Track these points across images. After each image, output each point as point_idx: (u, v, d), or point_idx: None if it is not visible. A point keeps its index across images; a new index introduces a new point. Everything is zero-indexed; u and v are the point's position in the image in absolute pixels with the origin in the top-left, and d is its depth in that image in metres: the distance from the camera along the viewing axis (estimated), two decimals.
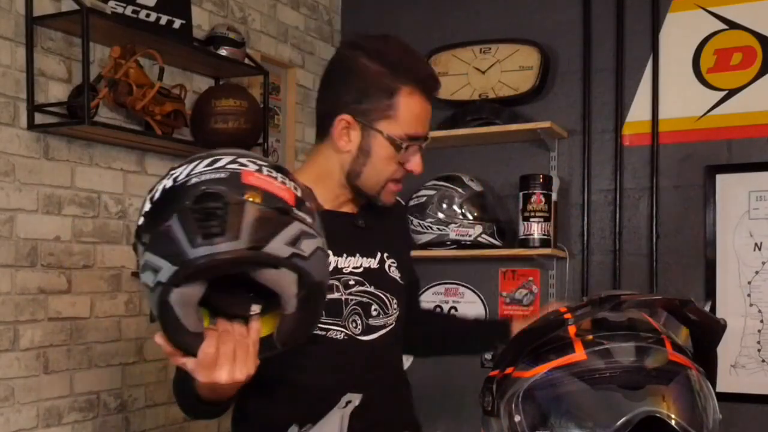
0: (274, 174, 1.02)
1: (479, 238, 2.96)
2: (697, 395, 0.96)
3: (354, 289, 1.47)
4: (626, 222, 2.99)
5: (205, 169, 1.00)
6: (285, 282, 1.00)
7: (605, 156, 3.03)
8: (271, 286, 1.00)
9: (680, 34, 2.91)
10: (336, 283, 1.44)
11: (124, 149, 2.50)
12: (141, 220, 1.03)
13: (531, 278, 3.13)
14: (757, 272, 2.77)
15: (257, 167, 1.02)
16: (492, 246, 2.97)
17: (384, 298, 1.51)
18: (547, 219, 2.92)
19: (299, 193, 1.04)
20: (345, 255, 1.47)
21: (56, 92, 2.29)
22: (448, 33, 3.26)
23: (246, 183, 0.98)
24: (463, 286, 3.25)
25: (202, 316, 1.03)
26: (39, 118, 2.23)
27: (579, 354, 0.96)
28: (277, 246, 0.97)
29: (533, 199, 2.90)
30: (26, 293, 2.22)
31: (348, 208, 1.53)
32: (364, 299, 1.48)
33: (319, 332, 1.41)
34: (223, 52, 2.69)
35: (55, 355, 2.29)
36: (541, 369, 0.97)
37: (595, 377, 0.93)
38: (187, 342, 1.03)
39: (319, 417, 1.30)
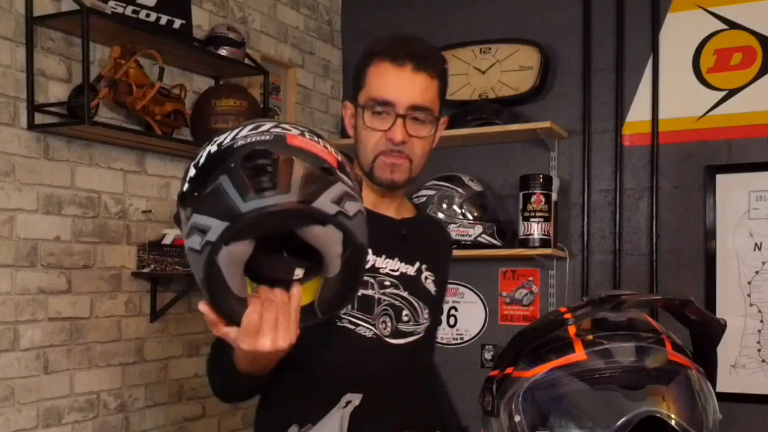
0: (316, 138, 1.05)
1: (479, 238, 2.96)
2: (697, 395, 0.96)
3: (388, 290, 1.46)
4: (626, 222, 2.99)
5: (250, 132, 1.02)
6: (331, 240, 1.00)
7: (605, 156, 3.03)
8: (317, 243, 1.00)
9: (680, 34, 2.91)
10: (371, 280, 1.45)
11: (124, 149, 2.50)
12: (185, 187, 1.03)
13: (531, 278, 3.13)
14: (757, 272, 2.77)
15: (299, 131, 1.04)
16: (492, 246, 2.97)
17: (416, 305, 1.51)
18: (547, 219, 2.92)
19: (340, 158, 1.06)
20: (384, 256, 1.47)
21: (56, 92, 2.29)
22: (448, 33, 3.26)
23: (291, 144, 1.00)
24: (463, 286, 3.25)
25: (245, 281, 1.04)
26: (39, 118, 2.23)
27: (579, 354, 0.95)
28: (325, 202, 0.97)
29: (533, 199, 2.90)
30: (26, 293, 2.22)
31: (389, 212, 1.53)
32: (397, 302, 1.47)
33: (349, 326, 1.41)
34: (223, 52, 2.69)
35: (55, 355, 2.29)
36: (541, 369, 0.97)
37: (595, 377, 0.93)
38: (231, 307, 1.03)
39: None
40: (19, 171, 2.20)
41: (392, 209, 1.54)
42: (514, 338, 1.03)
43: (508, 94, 3.11)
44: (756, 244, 2.77)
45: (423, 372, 1.59)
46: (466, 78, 3.18)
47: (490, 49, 3.16)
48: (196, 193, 1.00)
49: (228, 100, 2.62)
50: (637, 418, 0.90)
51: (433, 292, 1.56)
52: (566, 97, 3.10)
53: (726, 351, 2.74)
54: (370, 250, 1.39)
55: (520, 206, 2.93)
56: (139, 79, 2.37)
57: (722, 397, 1.00)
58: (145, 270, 2.52)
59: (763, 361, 2.75)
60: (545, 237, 2.92)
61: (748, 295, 2.78)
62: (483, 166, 3.19)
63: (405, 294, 1.48)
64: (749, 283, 2.78)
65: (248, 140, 1.00)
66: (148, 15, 2.46)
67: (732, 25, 2.83)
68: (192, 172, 1.03)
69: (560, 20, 3.11)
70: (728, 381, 2.74)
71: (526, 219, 2.91)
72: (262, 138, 1.00)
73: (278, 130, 1.03)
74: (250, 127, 1.04)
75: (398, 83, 1.42)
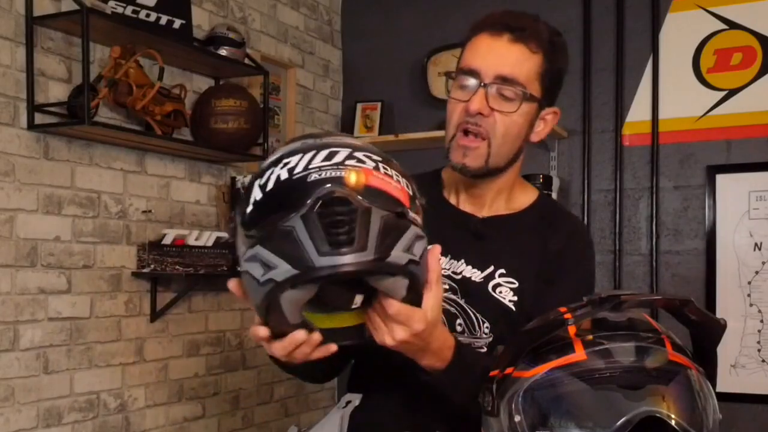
0: (390, 171, 0.99)
1: None
2: (697, 395, 0.96)
3: (444, 294, 1.27)
4: (626, 222, 2.99)
5: (323, 163, 0.95)
6: (398, 287, 0.98)
7: (605, 156, 3.03)
8: (384, 290, 0.98)
9: (680, 34, 2.91)
10: None
11: (124, 149, 2.50)
12: (250, 208, 0.97)
13: None
14: (757, 272, 2.77)
15: (374, 164, 0.98)
16: None
17: (472, 316, 1.32)
18: None
19: (411, 191, 1.01)
20: (449, 256, 1.33)
21: (56, 92, 2.29)
22: (448, 33, 3.26)
23: (368, 185, 0.95)
24: None
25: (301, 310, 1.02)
26: (39, 118, 2.23)
27: (579, 354, 0.95)
28: (398, 254, 0.94)
29: None
30: (26, 293, 2.22)
31: (473, 207, 1.38)
32: (452, 309, 1.32)
33: None
34: (223, 52, 2.69)
35: (55, 355, 2.29)
36: (541, 369, 0.97)
37: (595, 377, 0.93)
38: (284, 332, 1.02)
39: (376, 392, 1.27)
40: (19, 171, 2.20)
41: (481, 203, 1.37)
42: (514, 338, 1.03)
43: None
44: (756, 244, 2.77)
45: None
46: None
47: None
48: (263, 224, 0.95)
49: (228, 100, 2.62)
50: (637, 418, 0.90)
51: (508, 302, 1.31)
52: (566, 97, 3.10)
53: (726, 351, 2.74)
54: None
55: None
56: (139, 79, 2.37)
57: (722, 397, 1.00)
58: (145, 270, 2.52)
59: (763, 361, 2.75)
60: None
61: (748, 295, 2.78)
62: None
63: (461, 301, 1.32)
64: (749, 283, 2.78)
65: (322, 174, 0.94)
66: (148, 15, 2.46)
67: (732, 25, 2.83)
68: (258, 194, 0.97)
69: (560, 20, 3.11)
70: (728, 381, 2.74)
71: None
72: (338, 174, 0.94)
73: (352, 162, 0.96)
74: (324, 154, 0.96)
75: (489, 51, 1.27)
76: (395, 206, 0.96)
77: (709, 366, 1.02)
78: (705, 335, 1.03)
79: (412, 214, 0.98)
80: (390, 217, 0.94)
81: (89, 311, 2.40)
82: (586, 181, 3.04)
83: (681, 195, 2.91)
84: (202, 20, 2.78)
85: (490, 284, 1.32)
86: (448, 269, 1.33)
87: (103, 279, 2.44)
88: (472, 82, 1.27)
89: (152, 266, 2.51)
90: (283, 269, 0.92)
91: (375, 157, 0.99)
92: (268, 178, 0.97)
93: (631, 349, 0.95)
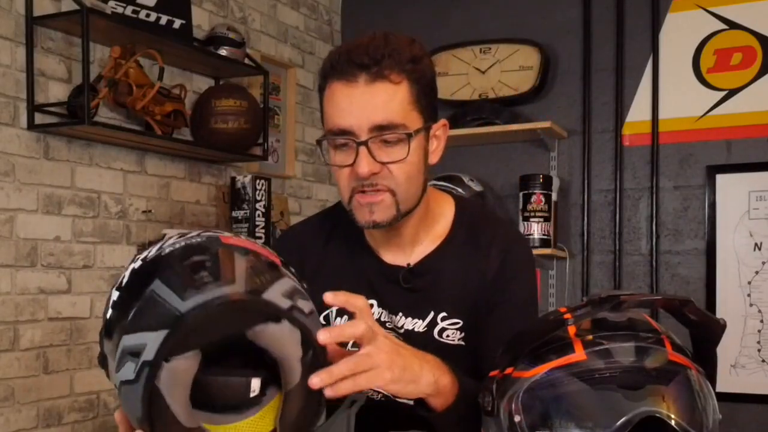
0: (253, 239, 0.96)
1: None
2: (697, 395, 0.96)
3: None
4: (626, 222, 2.99)
5: (178, 239, 0.91)
6: (288, 340, 0.85)
7: (605, 156, 3.03)
8: (272, 346, 0.85)
9: (680, 34, 2.91)
10: None
11: (124, 149, 2.50)
12: (109, 314, 0.88)
13: None
14: (757, 272, 2.77)
15: (234, 234, 0.94)
16: None
17: None
18: (547, 219, 2.92)
19: (282, 259, 0.94)
20: (387, 311, 1.29)
21: (56, 92, 2.29)
22: (448, 33, 3.27)
23: (227, 243, 0.89)
24: None
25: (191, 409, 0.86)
26: (39, 118, 2.23)
27: (579, 354, 0.95)
28: (276, 295, 0.84)
29: (533, 199, 2.91)
30: (26, 293, 2.22)
31: (396, 255, 1.31)
32: None
33: None
34: (223, 52, 2.69)
35: (55, 355, 2.29)
36: (541, 369, 0.97)
37: (595, 377, 0.93)
38: None
39: None
40: (19, 171, 2.20)
41: (402, 244, 1.30)
42: (514, 338, 1.03)
43: (508, 94, 3.11)
44: (756, 244, 2.78)
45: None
46: (466, 78, 3.19)
47: (490, 49, 3.16)
48: (123, 315, 0.84)
49: (228, 100, 2.62)
50: (636, 418, 0.90)
51: (457, 342, 1.28)
52: (566, 97, 3.10)
53: (726, 351, 2.74)
54: (374, 302, 1.30)
55: (520, 206, 2.93)
56: (139, 79, 2.37)
57: (722, 397, 1.00)
58: None
59: (763, 361, 2.75)
60: (545, 237, 2.92)
61: (748, 295, 2.78)
62: (483, 166, 3.19)
63: None
64: (749, 283, 2.78)
65: (176, 245, 0.89)
66: (148, 15, 2.46)
67: (732, 25, 2.83)
68: (115, 296, 0.89)
69: (560, 20, 3.11)
70: (728, 381, 2.74)
71: (526, 219, 2.92)
72: (194, 241, 0.89)
73: (210, 233, 0.92)
74: (176, 235, 0.93)
75: (351, 103, 1.16)
76: (263, 258, 0.90)
77: (709, 366, 1.02)
78: (705, 335, 1.03)
79: (287, 271, 0.91)
80: (258, 261, 0.88)
81: (89, 311, 2.40)
82: (586, 181, 3.04)
83: (681, 195, 2.91)
84: (202, 20, 2.78)
85: (435, 331, 1.28)
86: (391, 321, 1.29)
87: (103, 279, 2.44)
88: (347, 143, 1.17)
89: None
90: (151, 342, 0.79)
91: (234, 234, 0.95)
92: (122, 277, 0.91)
93: (630, 349, 0.95)
